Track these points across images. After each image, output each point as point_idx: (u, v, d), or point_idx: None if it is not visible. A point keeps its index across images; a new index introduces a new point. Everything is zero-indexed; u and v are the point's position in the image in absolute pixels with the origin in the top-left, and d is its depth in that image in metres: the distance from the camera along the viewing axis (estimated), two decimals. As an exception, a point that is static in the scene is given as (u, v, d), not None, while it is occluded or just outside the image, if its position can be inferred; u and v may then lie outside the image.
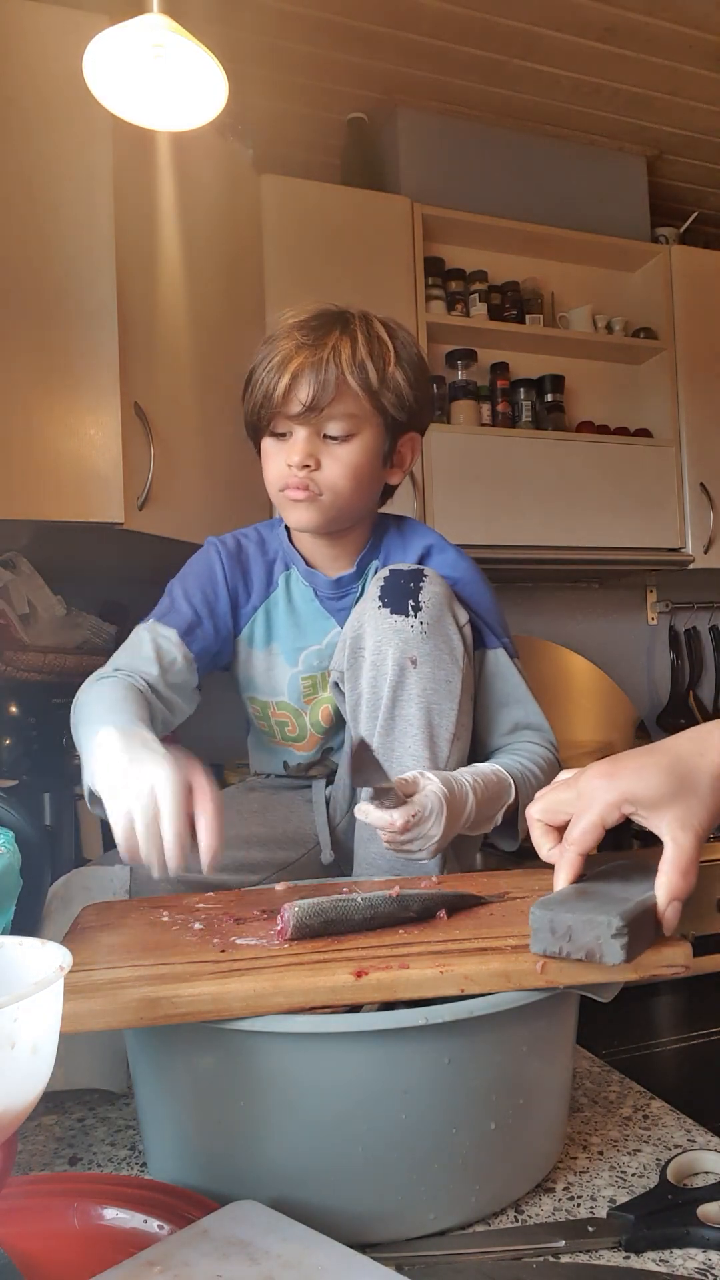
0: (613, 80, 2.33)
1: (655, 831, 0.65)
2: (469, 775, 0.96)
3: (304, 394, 1.02)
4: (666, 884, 0.63)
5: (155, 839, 0.79)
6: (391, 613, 0.99)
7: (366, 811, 0.86)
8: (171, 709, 1.12)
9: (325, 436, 1.06)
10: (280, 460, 1.07)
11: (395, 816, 0.85)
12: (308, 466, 1.05)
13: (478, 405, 2.38)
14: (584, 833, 0.66)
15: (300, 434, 1.05)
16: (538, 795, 0.72)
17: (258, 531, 1.21)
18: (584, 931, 0.60)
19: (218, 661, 1.20)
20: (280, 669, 1.17)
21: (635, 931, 0.60)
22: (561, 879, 0.68)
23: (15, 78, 1.59)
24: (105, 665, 1.10)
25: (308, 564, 1.16)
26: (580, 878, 0.70)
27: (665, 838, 0.64)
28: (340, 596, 1.15)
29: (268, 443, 1.09)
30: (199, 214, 1.87)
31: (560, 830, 0.70)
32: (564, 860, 0.68)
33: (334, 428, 1.05)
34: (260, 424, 1.08)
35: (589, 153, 2.59)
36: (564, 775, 0.72)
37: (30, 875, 0.88)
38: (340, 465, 1.06)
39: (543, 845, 0.71)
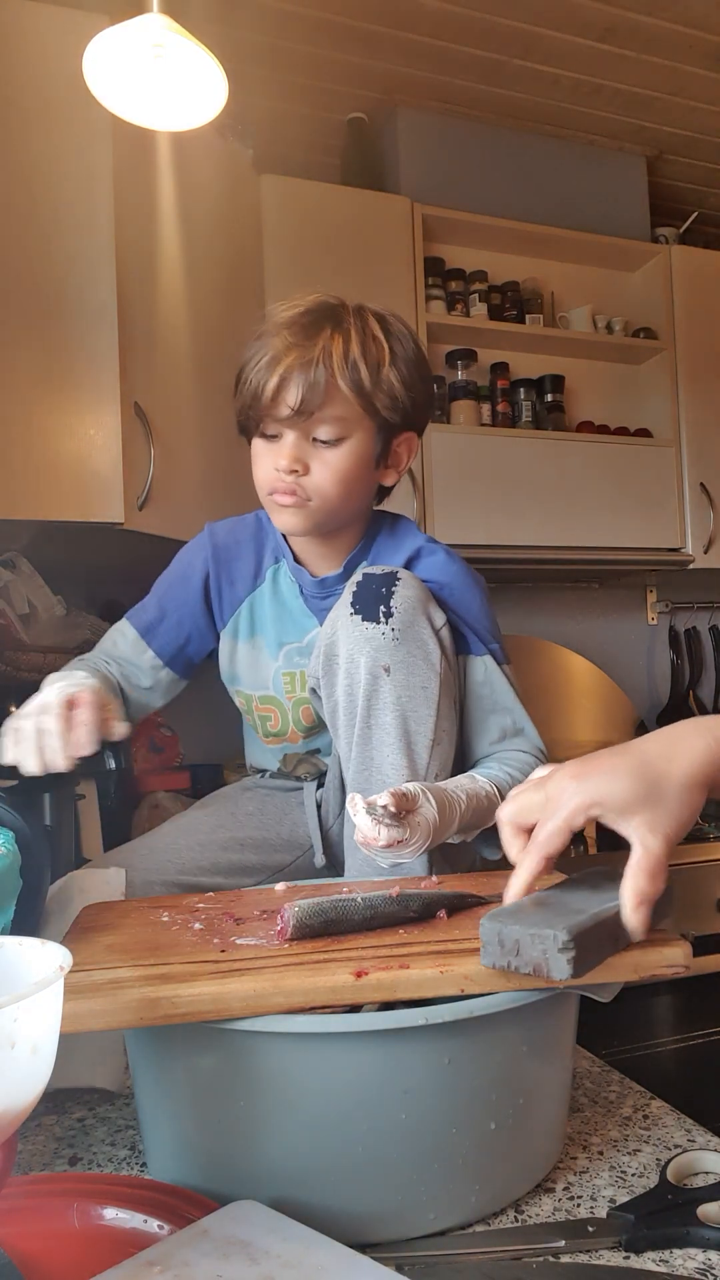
0: (613, 80, 2.33)
1: (624, 835, 0.63)
2: (463, 797, 0.95)
3: (292, 397, 0.99)
4: (633, 888, 0.62)
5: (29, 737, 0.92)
6: (363, 619, 0.97)
7: (357, 809, 0.85)
8: (130, 699, 1.20)
9: (314, 439, 1.03)
10: (268, 463, 1.04)
11: (381, 834, 0.84)
12: (295, 471, 1.02)
13: (478, 405, 2.39)
14: (549, 836, 0.65)
15: (289, 437, 1.02)
16: (509, 795, 0.70)
17: (257, 518, 1.19)
18: (531, 945, 0.59)
19: (196, 652, 1.21)
20: (265, 662, 1.17)
21: (586, 945, 0.59)
22: (518, 882, 0.66)
23: (15, 78, 1.59)
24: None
25: (296, 560, 1.15)
26: (564, 883, 0.70)
27: (634, 841, 0.63)
28: (324, 596, 1.13)
29: (257, 443, 1.07)
30: (199, 214, 1.87)
31: (530, 832, 0.68)
32: (524, 863, 0.66)
33: (323, 431, 1.02)
34: (249, 424, 1.06)
35: (589, 153, 2.59)
36: (537, 773, 0.71)
37: (30, 875, 0.88)
38: (329, 470, 1.03)
39: (512, 847, 0.69)
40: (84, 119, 1.59)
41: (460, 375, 2.41)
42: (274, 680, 1.17)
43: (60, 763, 0.93)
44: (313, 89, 2.30)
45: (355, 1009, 0.63)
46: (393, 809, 0.85)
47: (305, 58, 2.19)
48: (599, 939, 0.61)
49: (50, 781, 1.01)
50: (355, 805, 0.85)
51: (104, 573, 2.13)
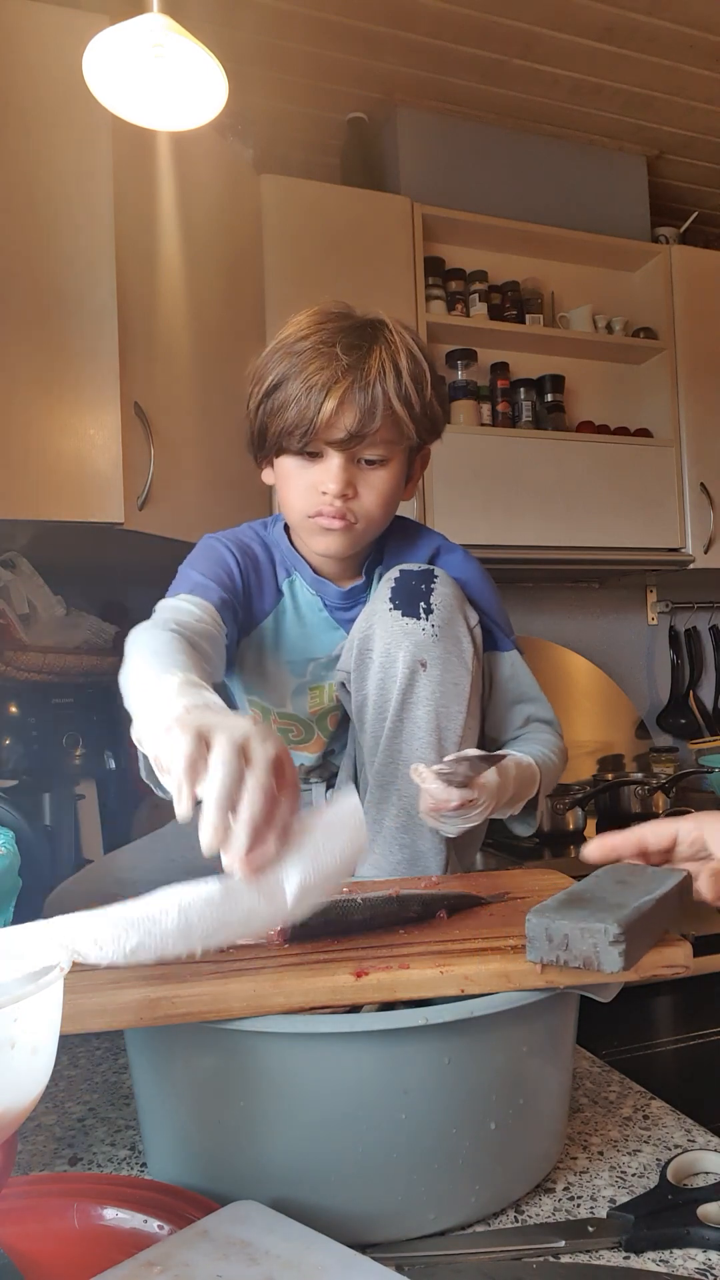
0: (613, 80, 2.33)
1: None
2: (512, 767, 0.96)
3: (350, 421, 0.96)
4: None
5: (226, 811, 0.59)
6: (403, 615, 0.98)
7: (425, 777, 0.85)
8: (213, 671, 0.99)
9: (360, 461, 1.01)
10: (309, 484, 1.01)
11: (454, 796, 0.85)
12: (346, 496, 1.00)
13: (478, 405, 2.38)
14: None
15: (335, 459, 0.99)
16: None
17: (255, 533, 1.16)
18: (581, 940, 0.59)
19: (234, 650, 1.14)
20: (285, 680, 1.15)
21: (633, 938, 0.60)
22: None
23: (15, 78, 1.59)
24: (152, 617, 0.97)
25: (315, 572, 1.12)
26: (586, 880, 0.70)
27: None
28: (350, 607, 1.12)
29: (290, 462, 1.02)
30: (199, 214, 1.87)
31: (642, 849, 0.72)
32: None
33: (371, 453, 1.00)
34: (288, 444, 1.00)
35: (589, 153, 2.59)
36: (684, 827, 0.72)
37: (30, 875, 0.88)
38: (375, 493, 1.02)
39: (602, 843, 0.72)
40: (84, 119, 1.59)
41: (460, 375, 2.41)
42: (293, 698, 1.15)
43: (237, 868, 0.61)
44: (313, 89, 2.30)
45: (355, 1009, 0.63)
46: (462, 771, 0.85)
47: (305, 58, 2.19)
48: (643, 931, 0.61)
49: (50, 781, 0.99)
50: (421, 773, 0.86)
51: (104, 573, 2.13)
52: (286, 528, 1.14)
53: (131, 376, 1.65)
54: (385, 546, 1.13)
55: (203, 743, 0.61)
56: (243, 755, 0.60)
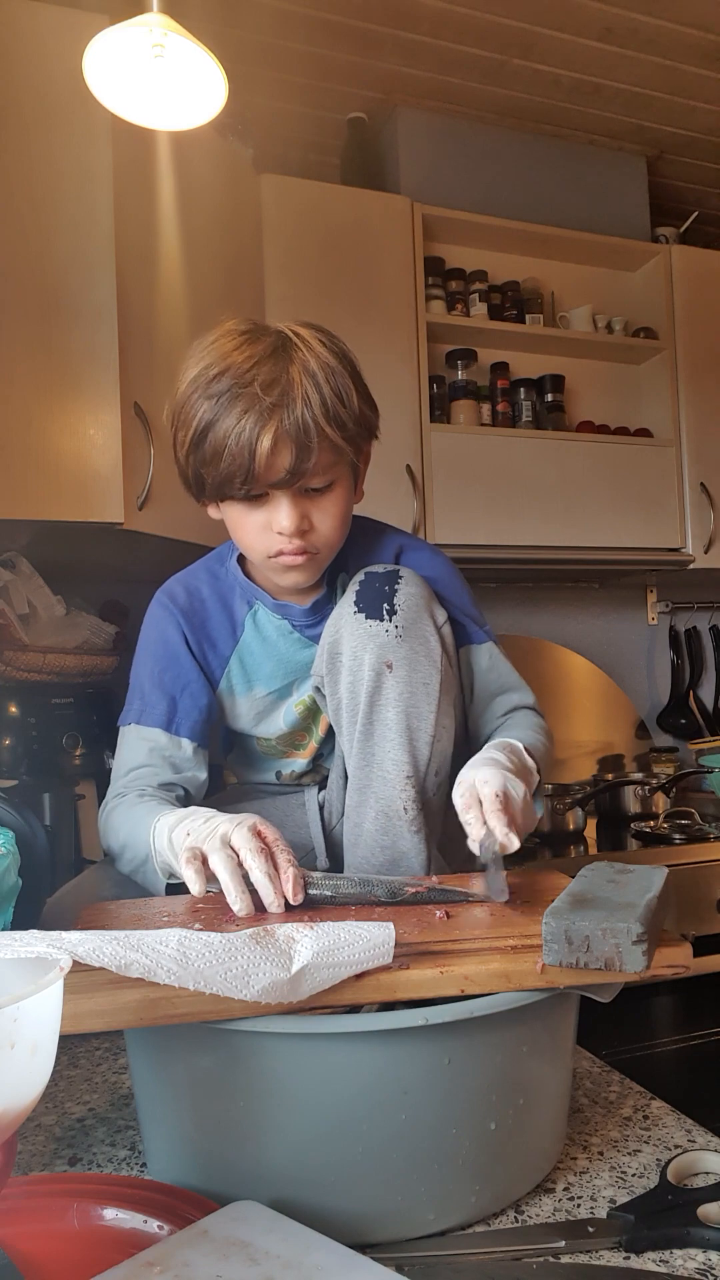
0: (612, 80, 2.33)
1: None
2: (502, 754, 0.93)
3: (287, 460, 0.93)
4: None
5: (241, 880, 0.78)
6: (367, 617, 0.97)
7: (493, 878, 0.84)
8: (189, 795, 1.11)
9: (307, 490, 0.98)
10: (261, 526, 0.99)
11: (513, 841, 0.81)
12: (302, 530, 0.98)
13: (478, 405, 2.38)
14: None
15: (283, 500, 0.96)
16: None
17: (207, 569, 1.14)
18: (602, 941, 0.59)
19: (213, 716, 1.14)
20: (270, 707, 1.15)
21: (650, 937, 0.60)
22: None
23: (15, 78, 1.59)
24: (110, 789, 1.09)
25: (275, 597, 1.10)
26: (581, 881, 0.70)
27: None
28: (317, 622, 1.10)
29: (236, 507, 1.00)
30: (199, 214, 1.87)
31: None
32: None
33: (317, 481, 0.98)
34: (229, 492, 0.97)
35: (589, 153, 2.59)
36: None
37: (30, 875, 0.88)
38: (329, 518, 1.00)
39: None
40: (84, 119, 1.59)
41: (460, 375, 2.41)
42: (285, 717, 1.15)
43: (278, 907, 0.79)
44: (313, 89, 2.30)
45: (355, 1009, 0.63)
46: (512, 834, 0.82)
47: (305, 58, 2.19)
48: (654, 930, 0.61)
49: (50, 781, 0.99)
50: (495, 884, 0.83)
51: (104, 573, 2.13)
52: (241, 557, 1.12)
53: (131, 376, 1.65)
54: (348, 552, 1.10)
55: (199, 857, 0.80)
56: (228, 845, 0.80)
